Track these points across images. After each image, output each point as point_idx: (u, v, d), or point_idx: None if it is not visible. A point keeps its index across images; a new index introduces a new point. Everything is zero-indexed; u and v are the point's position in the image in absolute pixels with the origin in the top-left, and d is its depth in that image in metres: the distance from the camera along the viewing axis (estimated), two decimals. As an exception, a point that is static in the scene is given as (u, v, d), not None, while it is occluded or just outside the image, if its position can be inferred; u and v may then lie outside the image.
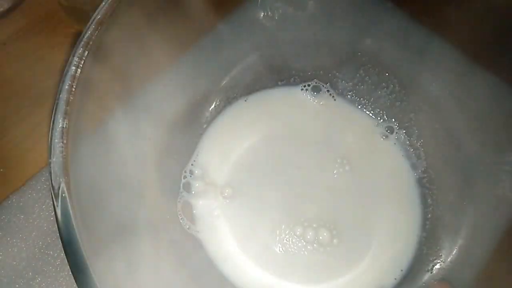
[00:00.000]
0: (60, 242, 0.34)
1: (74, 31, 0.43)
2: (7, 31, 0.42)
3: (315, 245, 0.33)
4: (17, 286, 0.34)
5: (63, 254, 0.34)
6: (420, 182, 0.35)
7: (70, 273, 0.33)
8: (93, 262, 0.20)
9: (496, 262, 0.29)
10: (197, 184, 0.35)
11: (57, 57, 0.42)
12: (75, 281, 0.20)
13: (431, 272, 0.31)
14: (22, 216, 0.36)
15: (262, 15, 0.36)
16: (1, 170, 0.38)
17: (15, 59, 0.42)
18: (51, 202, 0.35)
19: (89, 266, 0.20)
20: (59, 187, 0.20)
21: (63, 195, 0.20)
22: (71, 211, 0.20)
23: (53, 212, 0.35)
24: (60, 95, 0.22)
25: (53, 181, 0.21)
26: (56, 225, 0.35)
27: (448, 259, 0.31)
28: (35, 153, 0.38)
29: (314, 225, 0.34)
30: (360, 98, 0.38)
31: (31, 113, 0.40)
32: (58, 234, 0.34)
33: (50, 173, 0.21)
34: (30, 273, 0.34)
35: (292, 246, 0.33)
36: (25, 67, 0.41)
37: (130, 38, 0.28)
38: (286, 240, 0.34)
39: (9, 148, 0.38)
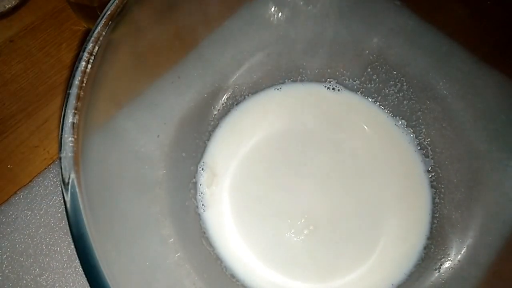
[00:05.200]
0: (67, 239, 0.35)
1: (81, 28, 0.43)
2: (14, 28, 0.43)
3: (323, 242, 0.33)
4: (24, 282, 0.34)
5: (70, 251, 0.35)
6: (427, 181, 0.35)
7: (77, 269, 0.34)
8: (103, 256, 0.20)
9: (504, 261, 0.29)
10: (206, 182, 0.35)
11: (64, 54, 0.42)
12: (85, 274, 0.20)
13: (439, 271, 0.31)
14: (29, 213, 0.36)
15: (270, 13, 0.36)
16: (9, 166, 0.38)
17: (23, 55, 0.42)
18: (59, 199, 0.36)
19: (98, 259, 0.20)
20: (69, 182, 0.20)
21: (73, 189, 0.20)
22: (81, 205, 0.20)
23: (60, 209, 0.35)
24: (70, 90, 0.22)
25: (63, 175, 0.21)
26: (63, 221, 0.35)
27: (457, 258, 0.31)
28: (43, 149, 0.38)
29: (322, 223, 0.34)
30: (368, 97, 0.38)
31: (39, 110, 0.40)
32: (65, 231, 0.35)
33: (61, 167, 0.21)
34: (37, 270, 0.34)
35: (299, 243, 0.33)
36: (33, 64, 0.42)
37: (139, 34, 0.28)
38: (293, 238, 0.34)
39: (16, 144, 0.38)
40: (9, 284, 0.34)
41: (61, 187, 0.20)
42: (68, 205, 0.20)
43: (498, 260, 0.29)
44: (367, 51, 0.37)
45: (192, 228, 0.33)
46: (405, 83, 0.37)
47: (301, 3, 0.36)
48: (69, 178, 0.21)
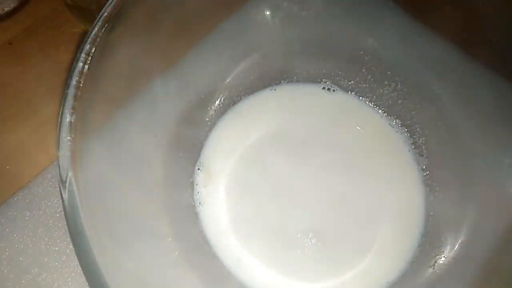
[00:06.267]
0: (66, 238, 0.35)
1: (80, 30, 0.43)
2: (13, 30, 0.43)
3: (318, 242, 0.33)
4: (23, 281, 0.34)
5: (68, 250, 0.35)
6: (422, 179, 0.36)
7: (76, 268, 0.34)
8: (100, 254, 0.20)
9: (498, 258, 0.29)
10: (202, 181, 0.35)
11: (62, 56, 0.42)
12: (83, 271, 0.20)
13: (434, 268, 0.32)
14: (28, 213, 0.36)
15: (266, 14, 0.37)
16: (8, 167, 0.38)
17: (21, 58, 0.42)
18: (57, 199, 0.36)
19: (96, 257, 0.20)
20: (66, 180, 0.21)
21: (71, 187, 0.21)
22: (78, 203, 0.21)
23: (59, 209, 0.36)
24: (68, 90, 0.23)
25: (61, 174, 0.21)
26: (62, 221, 0.36)
27: (451, 255, 0.32)
28: (41, 150, 0.39)
29: (318, 222, 0.34)
30: (362, 97, 0.38)
31: (37, 111, 0.40)
32: (63, 231, 0.35)
33: (58, 165, 0.21)
34: (36, 269, 0.34)
35: (295, 242, 0.34)
36: (31, 66, 0.42)
37: (135, 36, 0.28)
38: (289, 237, 0.34)
39: (15, 145, 0.39)
40: (8, 284, 0.34)
41: (59, 185, 0.21)
42: (66, 203, 0.21)
43: (492, 257, 0.30)
44: (361, 52, 0.37)
45: (190, 227, 0.34)
46: (399, 83, 0.37)
47: (296, 8, 0.37)
48: (66, 176, 0.21)
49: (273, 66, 0.38)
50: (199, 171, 0.36)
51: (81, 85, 0.23)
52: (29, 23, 0.43)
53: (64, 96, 0.22)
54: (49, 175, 0.37)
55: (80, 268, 0.20)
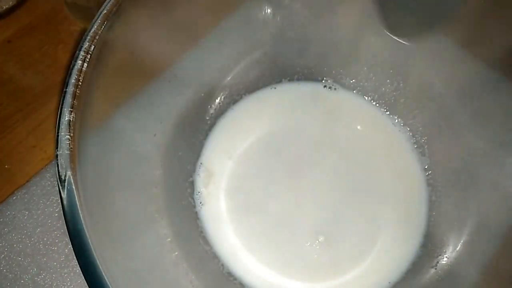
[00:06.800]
0: (65, 238, 0.35)
1: (78, 29, 0.43)
2: (12, 29, 0.43)
3: (320, 241, 0.33)
4: (22, 281, 0.34)
5: (67, 250, 0.35)
6: (424, 179, 0.35)
7: (75, 268, 0.34)
8: (99, 253, 0.20)
9: (500, 258, 0.29)
10: (203, 181, 0.35)
11: (61, 54, 0.42)
12: (81, 270, 0.20)
13: (436, 268, 0.31)
14: (27, 212, 0.36)
15: (267, 12, 0.36)
16: (6, 166, 0.38)
17: (20, 56, 0.42)
18: (56, 198, 0.36)
19: (95, 257, 0.20)
20: (65, 179, 0.21)
21: (69, 186, 0.21)
22: (77, 202, 0.20)
23: (58, 208, 0.36)
24: (67, 89, 0.22)
25: (59, 173, 0.21)
26: (60, 221, 0.35)
27: (453, 255, 0.31)
28: (40, 149, 0.38)
29: (319, 222, 0.34)
30: (364, 95, 0.38)
31: (36, 110, 0.40)
32: (62, 230, 0.35)
33: (57, 164, 0.21)
34: (35, 269, 0.34)
35: (297, 243, 0.33)
36: (30, 64, 0.41)
37: (135, 34, 0.28)
38: (290, 237, 0.34)
39: (14, 144, 0.38)
40: (7, 284, 0.34)
41: (58, 184, 0.21)
42: (64, 202, 0.20)
43: (495, 257, 0.29)
44: (363, 50, 0.37)
45: (189, 227, 0.33)
46: (401, 82, 0.37)
47: (297, 5, 0.36)
48: (65, 176, 0.21)
49: (274, 64, 0.38)
50: (199, 170, 0.35)
51: (80, 83, 0.23)
52: (28, 21, 0.43)
53: (63, 95, 0.22)
54: (48, 174, 0.37)
55: (79, 268, 0.20)
